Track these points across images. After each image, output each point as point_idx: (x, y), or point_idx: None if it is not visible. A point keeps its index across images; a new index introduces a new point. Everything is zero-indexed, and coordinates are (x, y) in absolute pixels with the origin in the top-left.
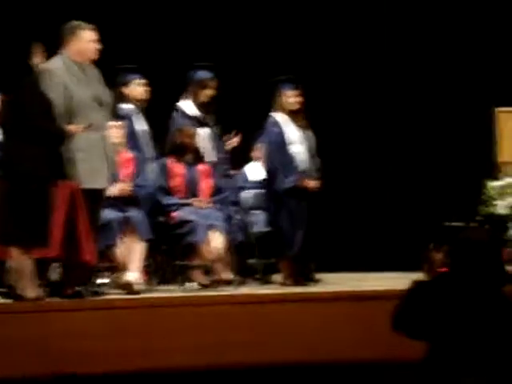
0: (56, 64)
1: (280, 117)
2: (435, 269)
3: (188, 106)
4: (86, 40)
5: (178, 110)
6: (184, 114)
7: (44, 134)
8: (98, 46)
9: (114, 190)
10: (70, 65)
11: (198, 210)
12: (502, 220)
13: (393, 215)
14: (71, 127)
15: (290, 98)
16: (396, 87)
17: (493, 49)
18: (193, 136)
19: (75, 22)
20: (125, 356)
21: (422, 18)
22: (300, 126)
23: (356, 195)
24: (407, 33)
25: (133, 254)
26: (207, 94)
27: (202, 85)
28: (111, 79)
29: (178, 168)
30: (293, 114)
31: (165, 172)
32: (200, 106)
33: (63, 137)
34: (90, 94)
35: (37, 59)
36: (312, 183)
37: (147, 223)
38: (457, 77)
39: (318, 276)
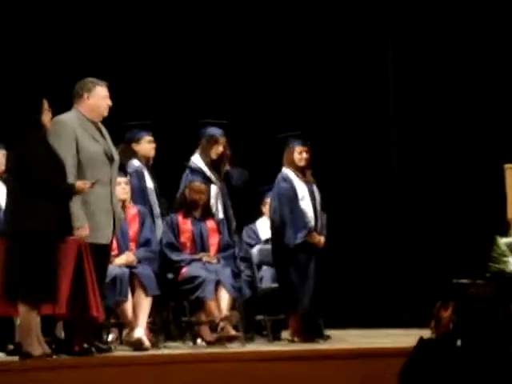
0: (69, 117)
1: (290, 172)
2: (442, 326)
3: (198, 162)
4: (100, 97)
5: (188, 166)
6: (194, 170)
7: (52, 189)
8: (110, 103)
9: (120, 260)
10: (83, 119)
11: (207, 265)
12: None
13: (403, 271)
14: (79, 183)
15: (299, 154)
16: (404, 141)
17: (501, 106)
18: (202, 192)
19: (90, 79)
20: None
21: (428, 74)
22: (308, 182)
23: (365, 250)
24: (413, 90)
25: (140, 310)
26: (217, 150)
27: (213, 141)
28: (118, 135)
29: (186, 224)
30: (301, 170)
31: (173, 228)
32: (209, 162)
33: (71, 193)
34: (101, 149)
35: (44, 115)
36: (321, 239)
37: (154, 279)
38: (467, 133)
39: (327, 332)
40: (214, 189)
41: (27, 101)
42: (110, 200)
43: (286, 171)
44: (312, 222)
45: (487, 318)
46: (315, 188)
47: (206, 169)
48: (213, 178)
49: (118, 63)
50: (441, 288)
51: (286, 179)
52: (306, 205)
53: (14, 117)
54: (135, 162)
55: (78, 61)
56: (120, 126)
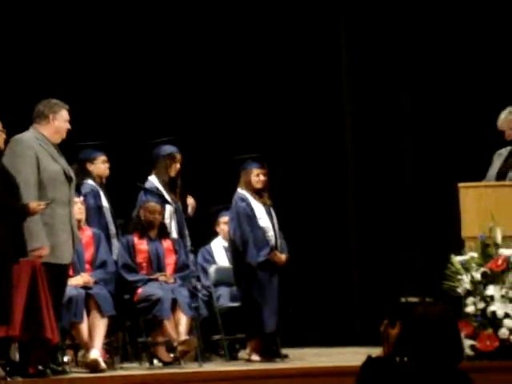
0: (29, 136)
1: (246, 193)
2: (390, 344)
3: (154, 182)
4: (63, 120)
5: (142, 186)
6: (149, 191)
7: (5, 210)
8: (69, 127)
9: (77, 281)
10: (42, 139)
11: (163, 285)
12: (458, 296)
13: (359, 289)
14: (32, 204)
15: (256, 176)
16: (359, 158)
17: (457, 126)
18: (157, 212)
19: (55, 100)
20: None
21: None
22: (264, 204)
23: (321, 270)
24: (368, 111)
25: (95, 331)
26: (176, 167)
27: (170, 159)
28: (71, 155)
29: (142, 244)
30: (258, 192)
31: (129, 249)
32: (166, 182)
33: (25, 213)
34: (61, 169)
35: None
36: (282, 257)
37: (110, 300)
38: (422, 151)
39: (284, 351)
40: (168, 208)
41: None
42: (69, 220)
43: (243, 192)
44: (273, 241)
45: (435, 336)
46: (272, 210)
47: (161, 188)
48: (168, 197)
49: (71, 83)
50: (388, 306)
51: (244, 199)
52: (265, 223)
53: None
54: (90, 182)
55: (32, 81)
56: (74, 146)
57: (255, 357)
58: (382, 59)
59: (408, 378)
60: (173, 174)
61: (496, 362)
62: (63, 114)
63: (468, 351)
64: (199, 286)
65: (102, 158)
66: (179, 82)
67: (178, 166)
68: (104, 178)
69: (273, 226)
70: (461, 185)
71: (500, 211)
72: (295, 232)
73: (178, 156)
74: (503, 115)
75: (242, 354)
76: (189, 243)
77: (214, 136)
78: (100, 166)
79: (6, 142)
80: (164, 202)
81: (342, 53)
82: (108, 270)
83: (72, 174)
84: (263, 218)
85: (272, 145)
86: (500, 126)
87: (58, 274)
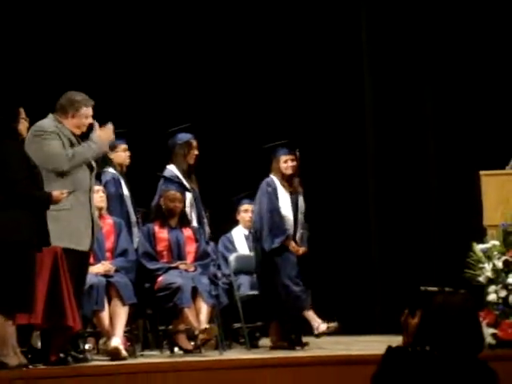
0: (50, 124)
1: (275, 180)
2: (410, 334)
3: (174, 170)
4: (84, 116)
5: (162, 175)
6: (168, 179)
7: (29, 199)
8: (91, 121)
9: (98, 269)
10: (63, 128)
11: (184, 273)
12: (480, 285)
13: (380, 278)
14: (55, 193)
15: (285, 162)
16: (381, 146)
17: (478, 112)
18: (177, 200)
19: (79, 96)
20: None
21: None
22: (293, 192)
23: (342, 258)
24: (389, 103)
25: (116, 319)
26: (193, 154)
27: (187, 146)
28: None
29: (162, 233)
30: (287, 179)
31: (150, 237)
32: (185, 170)
33: (48, 202)
34: None
35: (21, 124)
36: (300, 251)
37: (131, 288)
38: (444, 139)
39: (305, 339)
40: (188, 196)
41: (3, 109)
42: (89, 208)
43: (272, 178)
44: (291, 230)
45: (455, 326)
46: (300, 199)
47: (181, 177)
48: (188, 185)
49: (94, 72)
50: (408, 295)
51: (271, 184)
52: (286, 212)
53: None
54: (111, 170)
55: (55, 69)
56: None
57: (276, 345)
58: (402, 48)
59: (428, 368)
60: (191, 161)
61: None
62: (84, 112)
63: (489, 340)
64: (219, 274)
65: (123, 146)
66: (203, 71)
67: (196, 152)
68: (125, 167)
69: (295, 215)
70: (482, 173)
71: None
72: (317, 219)
73: (195, 143)
74: None
75: (263, 341)
76: (208, 231)
77: (238, 124)
78: (121, 154)
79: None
80: (184, 189)
81: (362, 46)
82: (129, 258)
83: (93, 162)
84: (286, 206)
85: (298, 134)
86: None
87: (78, 260)
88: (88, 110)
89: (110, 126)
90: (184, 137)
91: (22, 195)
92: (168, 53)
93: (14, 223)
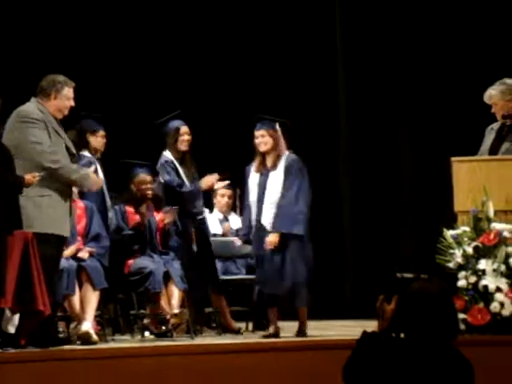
0: (34, 108)
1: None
2: (385, 320)
3: (167, 156)
4: (66, 98)
5: (133, 162)
6: (138, 165)
7: (1, 183)
8: (72, 104)
9: (69, 252)
10: (46, 114)
11: (155, 257)
12: (452, 272)
13: (354, 263)
14: (27, 176)
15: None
16: (353, 130)
17: (449, 99)
18: (148, 182)
19: (60, 77)
20: None
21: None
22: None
23: (315, 243)
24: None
25: (87, 303)
26: (184, 139)
27: (177, 133)
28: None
29: (134, 215)
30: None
31: (122, 215)
32: (178, 158)
33: (20, 186)
34: (62, 142)
35: None
36: (268, 240)
37: (102, 272)
38: (415, 126)
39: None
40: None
41: None
42: (68, 194)
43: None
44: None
45: (432, 312)
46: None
47: (176, 163)
48: (182, 173)
49: (80, 58)
50: (384, 281)
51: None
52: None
53: None
54: (87, 153)
55: (38, 55)
56: (77, 115)
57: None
58: (375, 36)
59: (403, 355)
60: (183, 147)
61: (487, 336)
62: (66, 93)
63: (461, 325)
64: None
65: (102, 132)
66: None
67: (186, 138)
68: (99, 153)
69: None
70: (454, 159)
71: (492, 185)
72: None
73: (184, 129)
74: (494, 90)
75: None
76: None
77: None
78: (100, 139)
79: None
80: (179, 177)
81: (337, 44)
82: (102, 243)
83: (73, 149)
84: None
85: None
86: (491, 99)
87: (57, 245)
88: (69, 92)
89: (101, 179)
90: (173, 124)
91: None
92: (154, 40)
93: None
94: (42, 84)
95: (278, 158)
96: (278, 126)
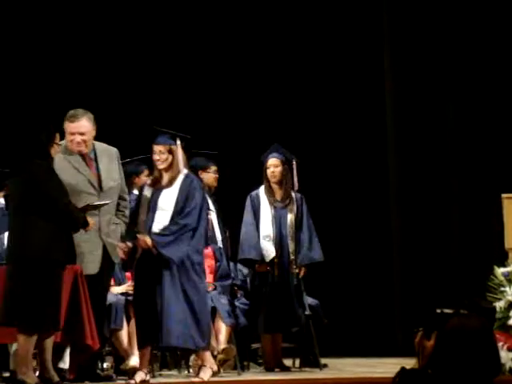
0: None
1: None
2: (425, 356)
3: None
4: (67, 132)
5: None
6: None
7: (68, 218)
8: (77, 139)
9: (119, 289)
10: (66, 151)
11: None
12: (492, 308)
13: (401, 299)
14: (92, 221)
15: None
16: (402, 166)
17: (499, 137)
18: None
19: (69, 112)
20: None
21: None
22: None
23: (361, 279)
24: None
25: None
26: (212, 177)
27: (203, 169)
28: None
29: None
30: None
31: None
32: (208, 191)
33: (81, 226)
34: (84, 179)
35: (53, 148)
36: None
37: None
38: (465, 162)
39: (324, 361)
40: (213, 217)
41: (42, 131)
42: (96, 230)
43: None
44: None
45: (471, 349)
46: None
47: (208, 198)
48: (212, 206)
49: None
50: (424, 317)
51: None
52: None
53: (25, 144)
54: (135, 192)
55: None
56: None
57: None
58: (424, 70)
59: None
60: (211, 183)
61: None
62: (66, 128)
63: (510, 364)
64: (239, 295)
65: (214, 168)
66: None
67: (213, 175)
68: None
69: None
70: (504, 196)
71: None
72: (336, 239)
73: (212, 167)
74: None
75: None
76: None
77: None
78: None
79: None
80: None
81: (384, 61)
82: None
83: (108, 181)
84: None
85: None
86: None
87: (90, 283)
88: (69, 126)
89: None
90: (198, 161)
91: (63, 213)
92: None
93: (43, 241)
94: None
95: (175, 176)
96: (178, 141)
